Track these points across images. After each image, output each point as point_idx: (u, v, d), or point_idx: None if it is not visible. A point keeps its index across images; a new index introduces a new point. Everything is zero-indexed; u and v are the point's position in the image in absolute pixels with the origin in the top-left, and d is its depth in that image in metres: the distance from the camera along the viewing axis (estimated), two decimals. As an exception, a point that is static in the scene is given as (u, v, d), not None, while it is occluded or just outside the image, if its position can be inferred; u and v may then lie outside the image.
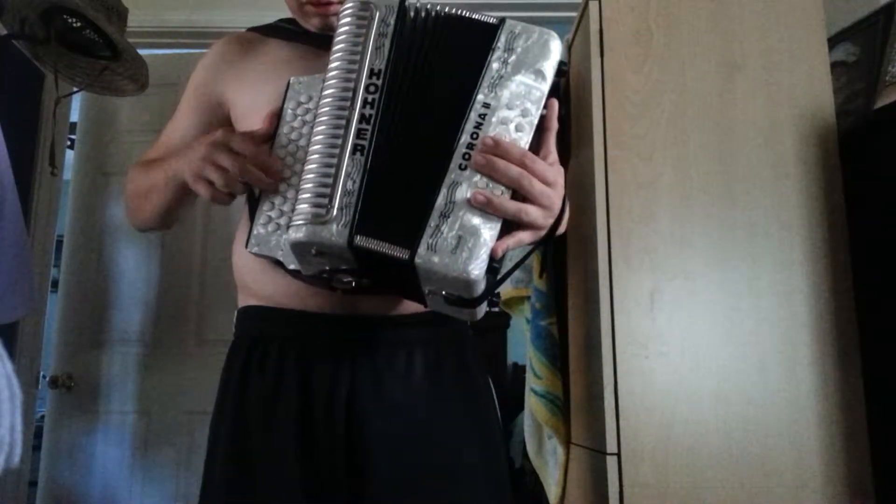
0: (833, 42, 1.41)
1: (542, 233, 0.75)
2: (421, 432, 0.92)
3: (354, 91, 0.76)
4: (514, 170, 0.71)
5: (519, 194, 0.73)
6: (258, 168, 0.78)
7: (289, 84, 0.84)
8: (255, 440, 0.91)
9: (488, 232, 0.69)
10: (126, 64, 1.81)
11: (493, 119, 0.73)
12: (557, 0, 2.31)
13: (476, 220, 0.69)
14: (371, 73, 0.77)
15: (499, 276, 0.75)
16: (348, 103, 0.76)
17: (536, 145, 0.76)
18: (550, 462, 1.48)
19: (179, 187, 0.92)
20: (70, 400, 2.11)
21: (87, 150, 2.27)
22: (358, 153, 0.74)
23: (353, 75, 0.77)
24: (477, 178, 0.71)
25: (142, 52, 1.85)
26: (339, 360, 0.92)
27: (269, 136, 0.82)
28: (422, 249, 0.69)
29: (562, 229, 0.81)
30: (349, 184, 0.73)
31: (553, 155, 0.78)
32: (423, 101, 0.77)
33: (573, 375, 1.40)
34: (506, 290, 1.67)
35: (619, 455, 1.13)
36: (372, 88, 0.76)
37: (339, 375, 0.92)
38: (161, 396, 2.10)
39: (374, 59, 0.77)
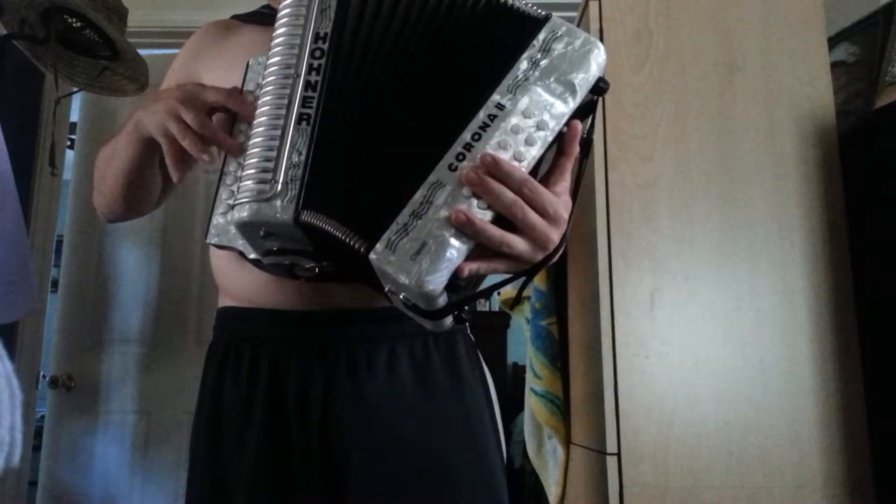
0: (833, 42, 1.41)
1: (525, 266, 0.65)
2: (403, 435, 0.84)
3: (299, 58, 0.70)
4: (508, 196, 0.61)
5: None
6: (212, 139, 0.73)
7: (248, 65, 0.80)
8: (229, 452, 0.86)
9: (457, 246, 0.60)
10: (126, 64, 1.81)
11: (503, 124, 0.63)
12: (557, 0, 2.31)
13: (447, 231, 0.60)
14: (316, 38, 0.70)
15: (464, 296, 0.65)
16: (293, 71, 0.70)
17: (549, 169, 0.67)
18: (550, 462, 1.48)
19: (143, 141, 0.83)
20: (70, 400, 2.10)
21: (87, 150, 2.27)
22: (304, 123, 0.68)
23: (298, 41, 0.71)
24: (465, 188, 0.61)
25: (142, 52, 1.85)
26: (312, 358, 0.86)
27: (240, 90, 0.77)
28: (380, 245, 0.61)
29: (552, 260, 0.69)
30: (295, 156, 0.67)
31: (564, 183, 0.67)
32: (412, 81, 0.69)
33: (573, 375, 1.40)
34: (506, 289, 1.67)
35: (619, 455, 1.13)
36: (318, 53, 0.70)
37: (312, 375, 0.85)
38: (161, 396, 2.10)
39: (320, 21, 0.70)
